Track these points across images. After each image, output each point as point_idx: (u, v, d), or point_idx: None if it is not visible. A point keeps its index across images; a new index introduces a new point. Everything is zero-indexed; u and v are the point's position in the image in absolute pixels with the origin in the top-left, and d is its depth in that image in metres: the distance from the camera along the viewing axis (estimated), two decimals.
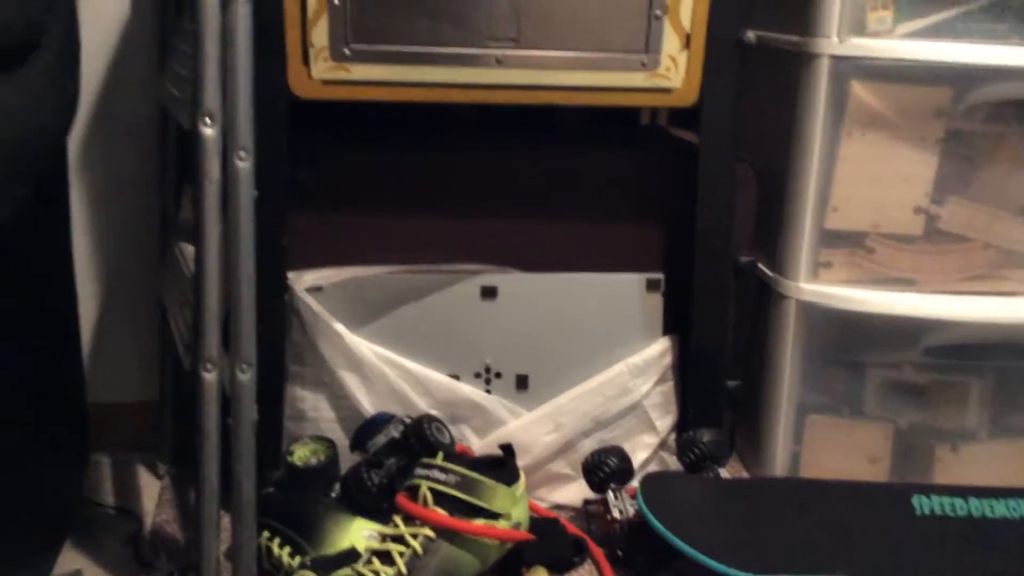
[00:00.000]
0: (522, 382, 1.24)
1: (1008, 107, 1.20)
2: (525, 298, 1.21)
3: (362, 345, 1.18)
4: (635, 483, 1.16)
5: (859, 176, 1.21)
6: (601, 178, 1.21)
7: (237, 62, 0.89)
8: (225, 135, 0.89)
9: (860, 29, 1.16)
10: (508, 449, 1.11)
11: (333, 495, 1.13)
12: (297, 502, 1.10)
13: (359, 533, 1.06)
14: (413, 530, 1.00)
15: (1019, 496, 1.16)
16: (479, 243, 1.20)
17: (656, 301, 1.24)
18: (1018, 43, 1.16)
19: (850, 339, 1.26)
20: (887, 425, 1.29)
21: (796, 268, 1.24)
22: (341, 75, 1.08)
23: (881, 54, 1.16)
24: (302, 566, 1.02)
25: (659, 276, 1.23)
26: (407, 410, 1.19)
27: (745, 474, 1.35)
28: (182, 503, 1.24)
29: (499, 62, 1.10)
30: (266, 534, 1.06)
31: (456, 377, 1.22)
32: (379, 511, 1.09)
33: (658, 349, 1.24)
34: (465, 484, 1.01)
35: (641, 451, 1.26)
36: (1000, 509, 1.15)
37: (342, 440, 1.18)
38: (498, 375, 1.23)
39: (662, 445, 1.28)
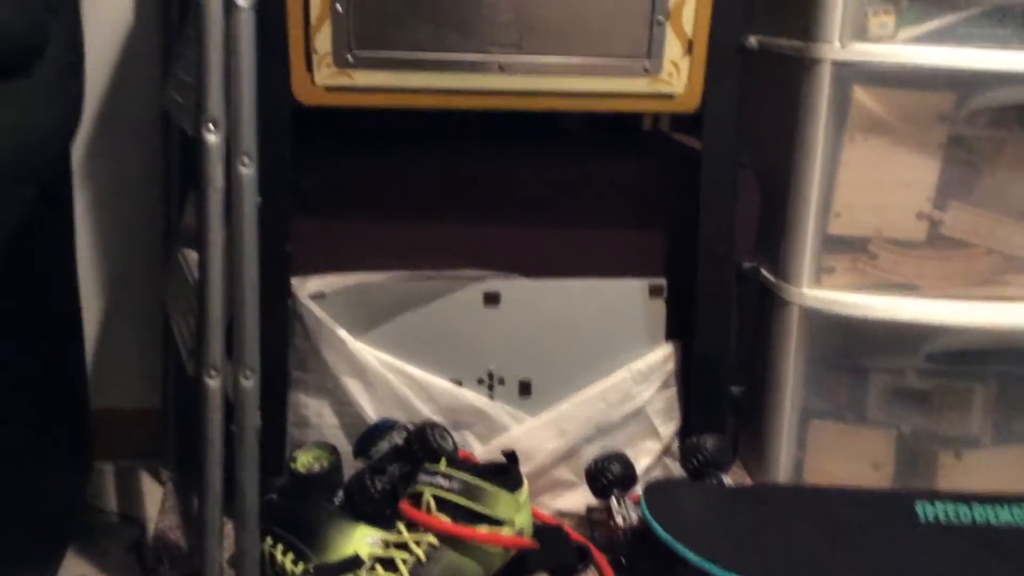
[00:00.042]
0: (525, 388, 1.23)
1: (1010, 112, 1.20)
2: (528, 304, 1.21)
3: (365, 351, 1.18)
4: (639, 489, 1.16)
5: (861, 181, 1.21)
6: (603, 184, 1.21)
7: (240, 68, 0.89)
8: (229, 141, 0.89)
9: (862, 34, 1.16)
10: (511, 455, 1.11)
11: (336, 502, 1.13)
12: (300, 508, 1.10)
13: (362, 540, 1.06)
14: (416, 537, 1.00)
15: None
16: (482, 249, 1.20)
17: (659, 307, 1.24)
18: (1020, 48, 1.16)
19: (853, 345, 1.26)
20: (890, 431, 1.29)
21: (799, 273, 1.24)
22: (344, 81, 1.08)
23: (883, 59, 1.16)
24: (305, 573, 1.02)
25: (662, 282, 1.23)
26: (410, 416, 1.19)
27: (748, 480, 1.35)
28: (185, 509, 1.24)
29: (502, 68, 1.10)
30: (269, 541, 1.05)
31: (459, 383, 1.22)
32: (382, 518, 1.08)
33: (661, 355, 1.24)
34: (468, 491, 1.01)
35: (644, 457, 1.26)
36: (1004, 516, 1.14)
37: (345, 446, 1.18)
38: (501, 381, 1.23)
39: (665, 451, 1.28)
